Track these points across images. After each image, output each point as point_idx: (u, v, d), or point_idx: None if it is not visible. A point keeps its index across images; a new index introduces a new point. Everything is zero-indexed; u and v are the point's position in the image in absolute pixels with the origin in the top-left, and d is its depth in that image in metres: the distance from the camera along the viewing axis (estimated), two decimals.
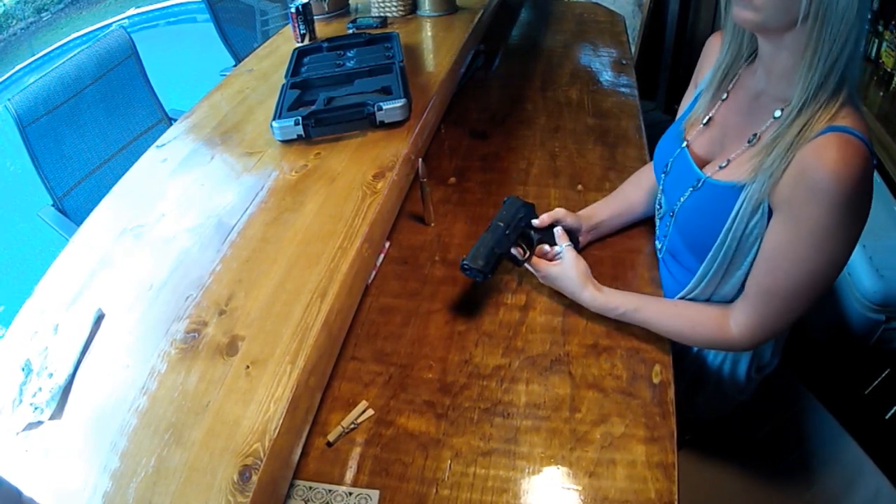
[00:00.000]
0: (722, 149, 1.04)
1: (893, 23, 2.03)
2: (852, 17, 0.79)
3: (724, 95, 1.05)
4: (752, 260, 0.97)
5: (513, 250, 1.15)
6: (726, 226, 0.96)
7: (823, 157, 0.82)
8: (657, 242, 1.23)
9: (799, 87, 0.86)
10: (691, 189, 1.04)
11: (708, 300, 1.08)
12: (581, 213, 1.28)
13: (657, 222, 1.23)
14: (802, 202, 0.85)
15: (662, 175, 1.15)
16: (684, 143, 1.10)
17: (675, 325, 1.06)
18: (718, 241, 0.99)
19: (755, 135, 0.96)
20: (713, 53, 1.11)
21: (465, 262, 1.09)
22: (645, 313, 1.07)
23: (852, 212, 0.84)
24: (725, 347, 1.13)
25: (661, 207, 1.18)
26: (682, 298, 1.12)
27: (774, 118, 0.93)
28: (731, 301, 1.04)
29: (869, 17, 0.81)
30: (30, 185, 2.20)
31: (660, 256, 1.21)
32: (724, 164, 1.00)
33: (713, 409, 1.30)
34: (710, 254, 1.01)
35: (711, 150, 1.06)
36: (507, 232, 1.15)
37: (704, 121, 1.07)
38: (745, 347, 1.08)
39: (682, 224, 1.09)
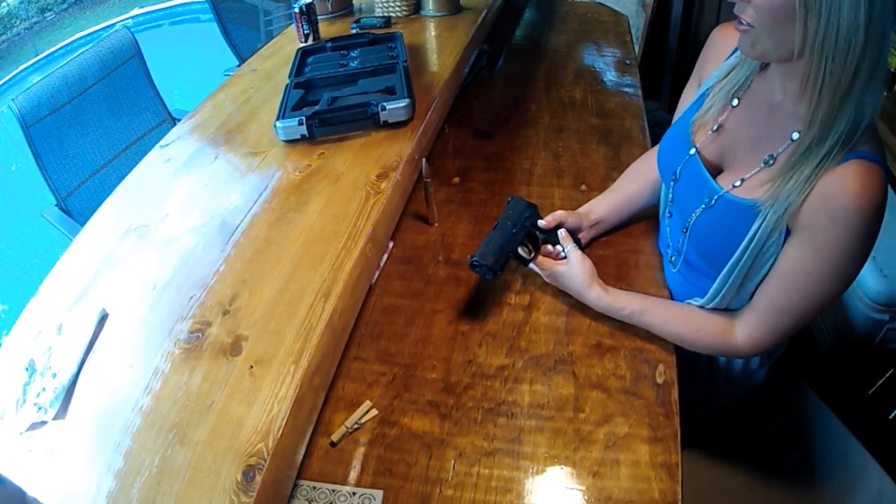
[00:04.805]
0: (735, 160, 1.01)
1: None
2: (859, 48, 0.75)
3: (736, 102, 1.01)
4: (765, 273, 0.96)
5: (519, 249, 1.15)
6: (743, 244, 0.95)
7: (847, 187, 0.81)
8: (665, 248, 1.22)
9: (807, 123, 0.84)
10: (704, 206, 1.02)
11: (725, 309, 1.07)
12: (580, 210, 1.27)
13: (662, 222, 1.22)
14: (823, 228, 0.85)
15: (672, 182, 1.12)
16: (693, 150, 1.06)
17: (679, 330, 1.06)
18: (734, 258, 0.97)
19: (772, 156, 0.94)
20: (718, 48, 1.09)
21: (474, 259, 1.09)
22: (650, 316, 1.07)
23: (870, 236, 0.84)
24: (728, 354, 1.13)
25: (671, 215, 1.16)
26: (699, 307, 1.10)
27: (792, 140, 0.90)
28: (743, 305, 1.04)
29: (886, 38, 0.77)
30: (33, 185, 2.21)
31: (675, 268, 1.18)
32: (738, 183, 0.98)
33: (728, 397, 1.30)
34: (725, 270, 1.00)
35: (722, 158, 1.03)
36: (515, 231, 1.14)
37: (714, 127, 1.03)
38: (748, 355, 1.08)
39: (696, 239, 1.07)
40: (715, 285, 1.03)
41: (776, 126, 0.94)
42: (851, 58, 0.77)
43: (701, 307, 1.08)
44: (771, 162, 0.94)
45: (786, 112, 0.92)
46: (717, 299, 1.04)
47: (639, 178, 1.29)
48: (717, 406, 1.33)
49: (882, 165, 0.82)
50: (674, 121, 1.18)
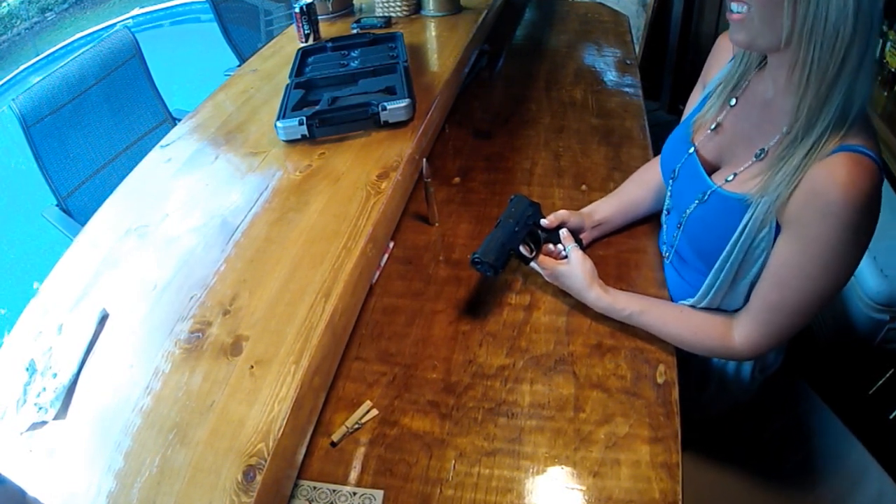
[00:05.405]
0: (731, 156, 1.02)
1: None
2: (848, 35, 0.76)
3: (733, 101, 1.03)
4: (757, 271, 0.96)
5: (521, 247, 1.15)
6: (733, 239, 0.95)
7: (834, 178, 0.80)
8: (663, 246, 1.22)
9: (794, 111, 0.84)
10: (697, 201, 1.03)
11: (717, 308, 1.07)
12: (583, 210, 1.28)
13: (664, 223, 1.22)
14: (812, 222, 0.84)
15: (671, 180, 1.14)
16: (692, 149, 1.07)
17: (678, 332, 1.06)
18: (725, 252, 0.98)
19: (763, 150, 0.94)
20: (723, 53, 1.10)
21: (475, 256, 1.08)
22: (649, 317, 1.07)
23: (862, 231, 0.83)
24: (727, 357, 1.13)
25: (668, 212, 1.17)
26: (691, 306, 1.11)
27: (782, 133, 0.90)
28: (740, 307, 1.04)
29: (874, 28, 0.77)
30: (34, 185, 2.21)
31: (668, 261, 1.20)
32: (730, 178, 0.98)
33: (718, 406, 1.30)
34: (717, 265, 1.00)
35: (719, 156, 1.05)
36: (517, 229, 1.14)
37: (713, 126, 1.05)
38: (746, 358, 1.08)
39: (690, 234, 1.08)
40: (707, 281, 1.04)
41: (768, 121, 0.94)
42: (840, 45, 0.77)
43: (693, 306, 1.09)
44: (762, 156, 0.95)
45: (778, 107, 0.92)
46: (710, 296, 1.04)
47: (643, 184, 1.30)
48: (711, 410, 1.33)
49: (874, 159, 0.81)
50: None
